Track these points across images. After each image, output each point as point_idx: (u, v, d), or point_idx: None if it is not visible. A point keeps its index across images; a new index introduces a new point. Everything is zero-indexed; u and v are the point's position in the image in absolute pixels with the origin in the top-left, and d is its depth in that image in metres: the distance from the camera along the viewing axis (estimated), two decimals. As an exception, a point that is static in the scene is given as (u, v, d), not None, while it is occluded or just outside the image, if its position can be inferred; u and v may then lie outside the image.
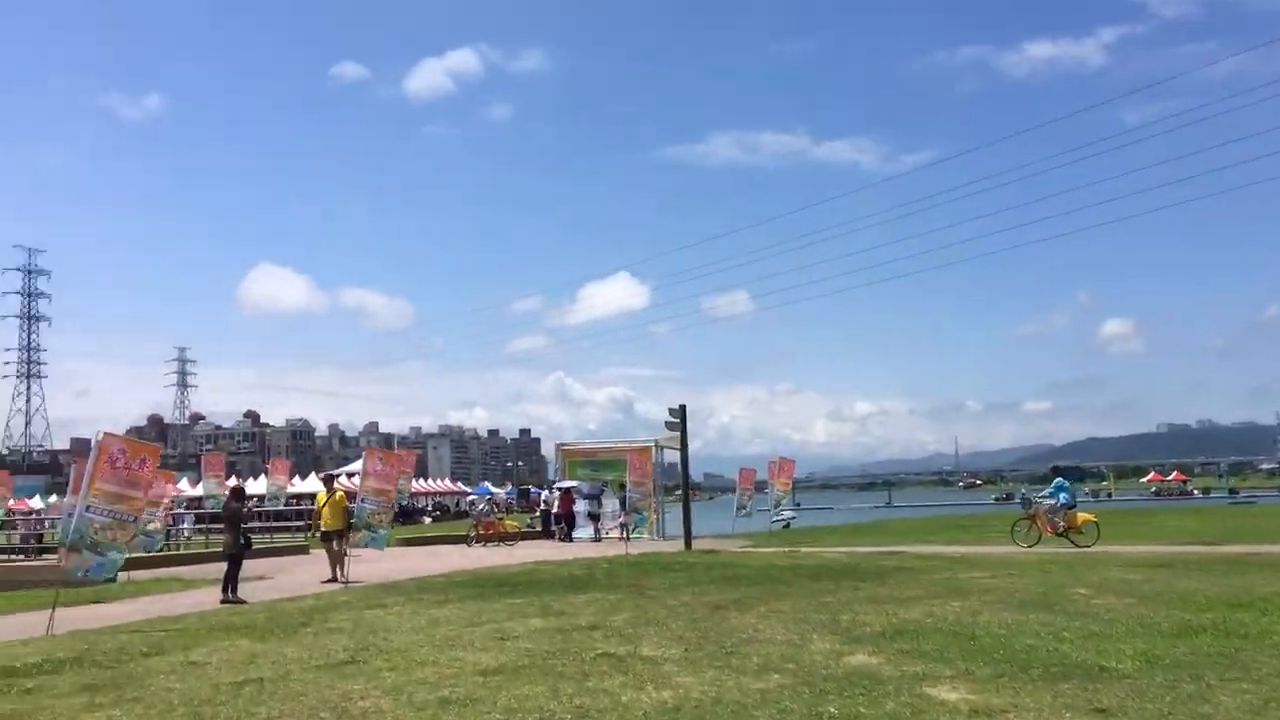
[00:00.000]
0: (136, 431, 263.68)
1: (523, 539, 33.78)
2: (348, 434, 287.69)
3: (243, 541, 16.56)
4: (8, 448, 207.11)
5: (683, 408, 26.05)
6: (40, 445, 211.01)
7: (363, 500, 18.78)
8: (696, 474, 38.56)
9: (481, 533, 31.93)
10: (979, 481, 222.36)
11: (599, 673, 8.57)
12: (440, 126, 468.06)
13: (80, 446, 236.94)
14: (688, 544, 25.88)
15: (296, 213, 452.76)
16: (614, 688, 7.95)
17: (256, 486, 57.37)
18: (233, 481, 41.82)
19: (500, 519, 34.85)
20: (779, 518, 35.75)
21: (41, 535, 32.82)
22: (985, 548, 23.40)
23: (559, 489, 35.04)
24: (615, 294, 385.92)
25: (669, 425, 26.32)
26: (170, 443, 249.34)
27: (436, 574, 19.62)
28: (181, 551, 28.86)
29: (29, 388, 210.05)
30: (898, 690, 7.48)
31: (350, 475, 49.61)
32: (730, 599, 13.92)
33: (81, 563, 12.75)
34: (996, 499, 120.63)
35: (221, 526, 20.35)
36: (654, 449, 33.75)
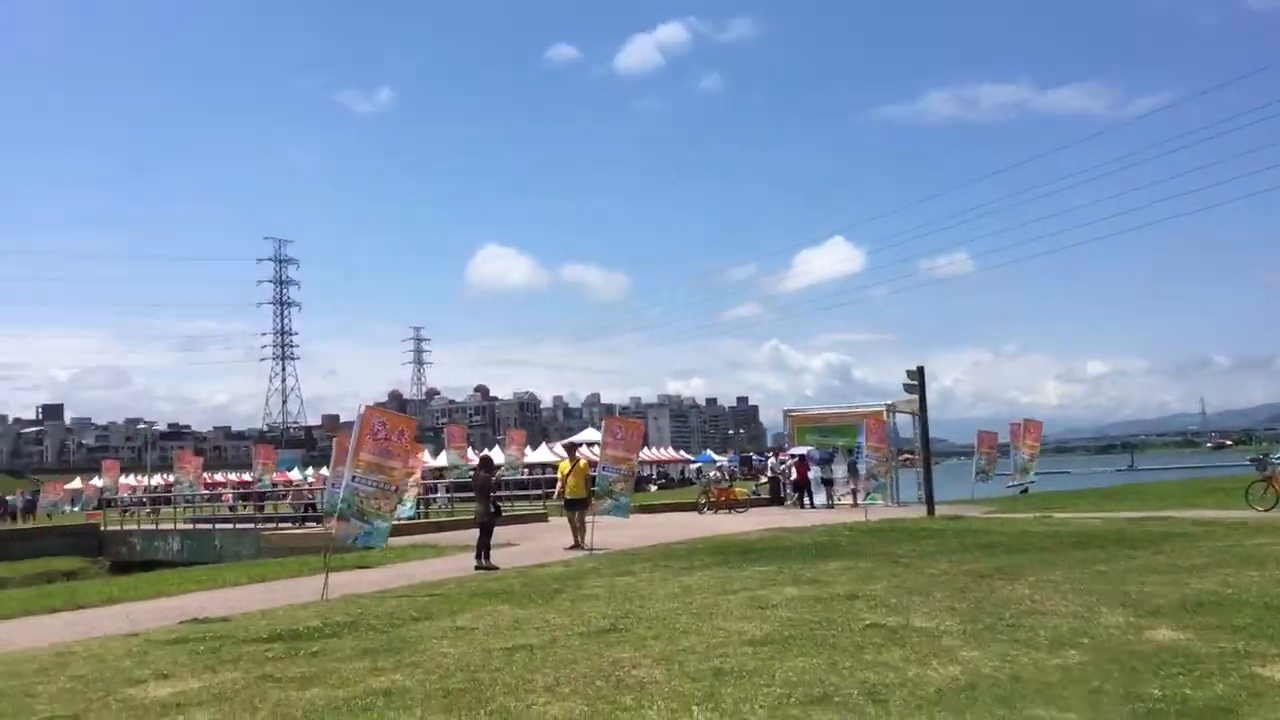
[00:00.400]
0: (379, 408, 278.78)
1: (752, 506, 33.56)
2: (571, 405, 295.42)
3: (493, 510, 16.96)
4: (268, 424, 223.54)
5: (920, 370, 25.10)
6: (295, 421, 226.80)
7: (604, 468, 18.93)
8: (914, 439, 37.41)
9: (713, 499, 31.88)
10: (1229, 442, 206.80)
11: (874, 645, 8.16)
12: (651, 101, 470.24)
13: (330, 422, 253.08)
14: (930, 510, 24.98)
15: (518, 194, 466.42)
16: (895, 661, 7.53)
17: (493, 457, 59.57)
18: (481, 452, 43.56)
19: (730, 486, 34.72)
20: (1016, 483, 34.06)
21: (313, 504, 34.91)
22: (1258, 514, 21.49)
23: (793, 456, 34.57)
24: (830, 259, 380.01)
25: (907, 388, 25.40)
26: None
27: (676, 541, 19.60)
28: (431, 519, 30.04)
29: (284, 369, 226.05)
30: (1222, 670, 6.74)
31: (589, 444, 50.63)
32: (992, 567, 13.20)
33: (351, 531, 13.30)
34: (1253, 460, 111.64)
35: (469, 495, 20.91)
36: (886, 413, 32.82)
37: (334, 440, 17.27)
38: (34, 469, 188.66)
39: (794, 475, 33.64)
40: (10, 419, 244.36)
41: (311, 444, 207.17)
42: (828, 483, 33.45)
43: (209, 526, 38.08)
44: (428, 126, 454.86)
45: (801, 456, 33.59)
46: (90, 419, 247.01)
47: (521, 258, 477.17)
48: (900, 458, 37.93)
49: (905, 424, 34.28)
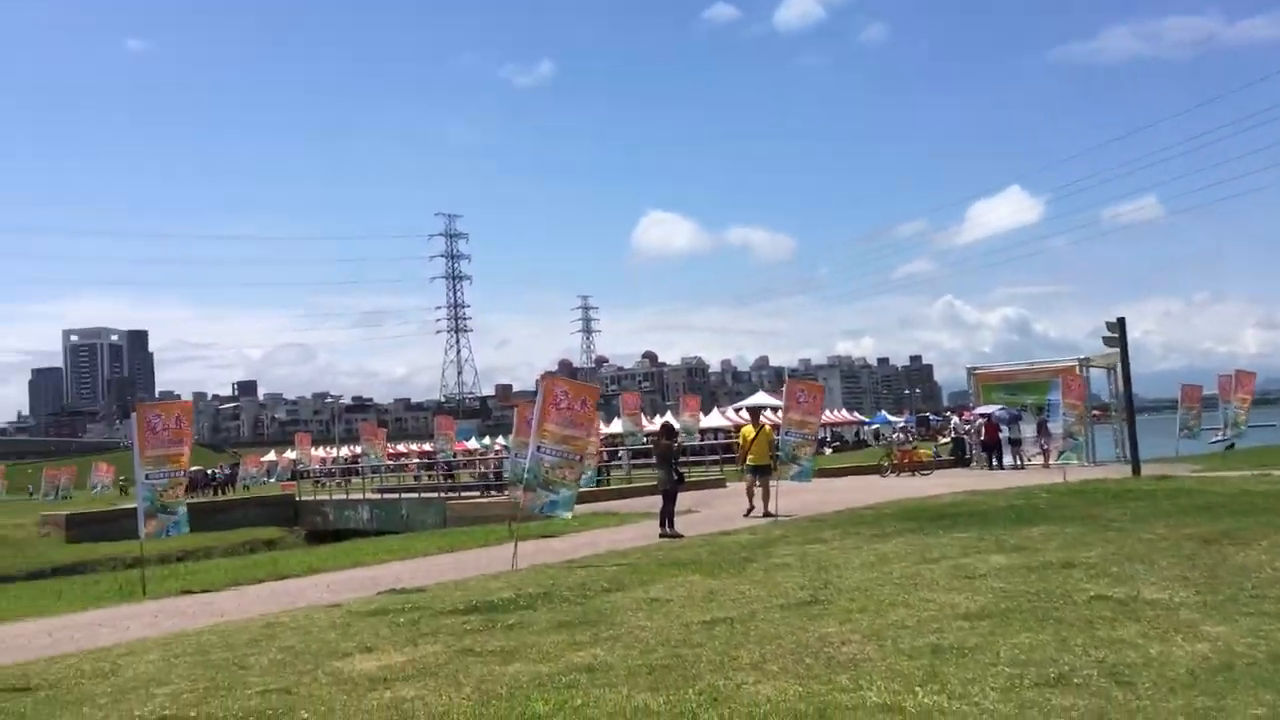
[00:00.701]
0: (549, 376, 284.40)
1: (936, 468, 32.51)
2: (739, 369, 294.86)
3: (676, 477, 16.76)
4: (444, 396, 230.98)
5: (1121, 321, 23.62)
6: (471, 392, 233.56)
7: (786, 433, 18.50)
8: (1106, 394, 35.17)
9: (896, 462, 31.02)
10: None
11: (1104, 619, 7.53)
12: (812, 56, 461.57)
13: (504, 392, 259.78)
14: (1135, 469, 23.57)
15: (681, 159, 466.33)
16: (1132, 637, 6.90)
17: (660, 423, 59.74)
18: (661, 419, 43.65)
19: (915, 448, 33.74)
20: (1220, 438, 31.97)
21: (500, 474, 35.61)
22: None
23: (981, 415, 33.28)
24: (1006, 209, 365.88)
25: (1107, 341, 23.96)
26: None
27: (862, 506, 19.02)
28: (609, 486, 30.17)
29: (458, 341, 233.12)
30: None
31: (772, 409, 50.25)
32: (1217, 531, 12.20)
33: (537, 500, 13.29)
34: None
35: (647, 462, 20.78)
36: (1079, 367, 31.20)
37: (514, 410, 17.34)
38: (232, 443, 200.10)
39: (982, 435, 32.39)
40: (209, 396, 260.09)
41: (486, 414, 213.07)
42: (1014, 443, 32.10)
43: (395, 496, 39.34)
44: (588, 95, 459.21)
45: (989, 417, 32.30)
46: (281, 394, 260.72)
47: (686, 222, 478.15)
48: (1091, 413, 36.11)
49: (1094, 379, 32.60)
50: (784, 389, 18.86)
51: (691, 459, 39.18)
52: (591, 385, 14.97)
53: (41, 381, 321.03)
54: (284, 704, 6.53)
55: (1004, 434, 31.81)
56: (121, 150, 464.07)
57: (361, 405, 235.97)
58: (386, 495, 40.48)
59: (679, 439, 23.61)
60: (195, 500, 45.92)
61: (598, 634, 8.28)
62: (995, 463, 31.40)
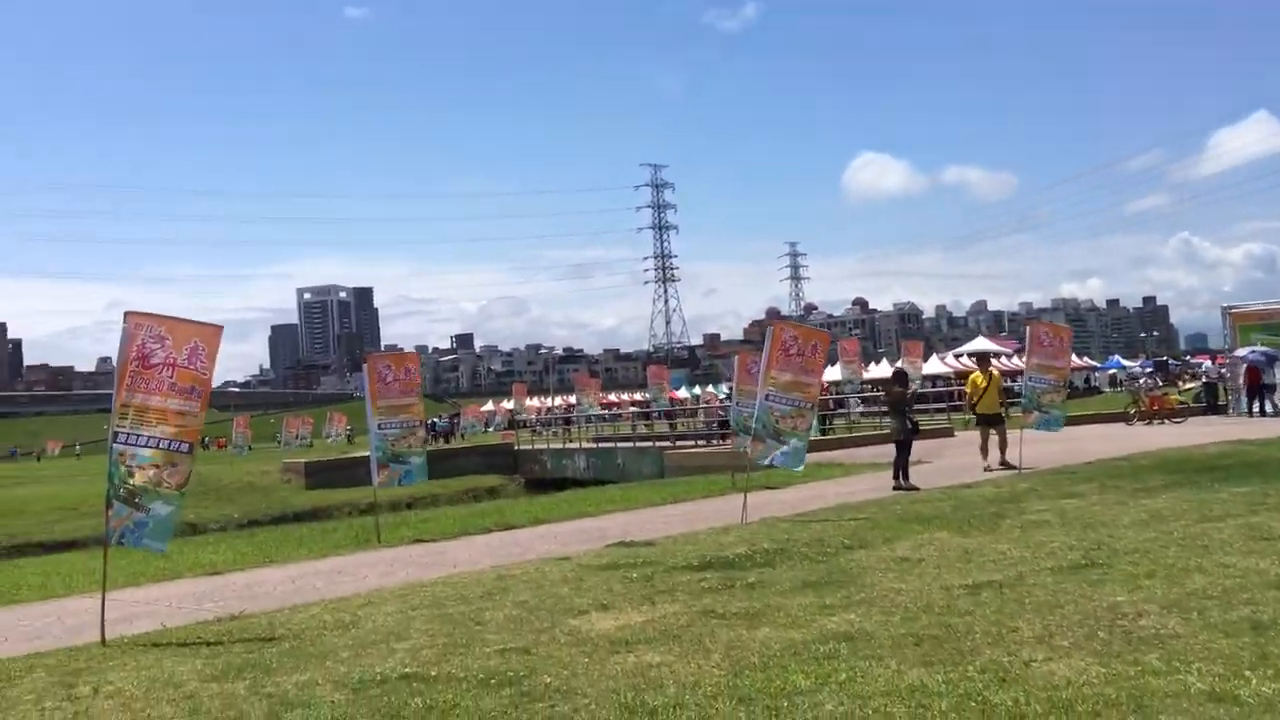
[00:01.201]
0: (758, 325, 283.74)
1: (1189, 415, 30.03)
2: (955, 315, 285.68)
3: (910, 426, 15.82)
4: (653, 345, 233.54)
5: None
6: (679, 342, 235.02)
7: (1030, 378, 17.22)
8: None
9: (1144, 409, 28.84)
10: None
11: None
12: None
13: (712, 341, 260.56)
14: None
15: (893, 97, 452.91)
16: None
17: (878, 370, 58.05)
18: (895, 365, 42.25)
19: (1165, 394, 31.32)
20: None
21: (724, 422, 35.27)
22: None
23: (1241, 357, 30.42)
24: (1251, 137, 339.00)
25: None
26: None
27: (1114, 457, 17.55)
28: (831, 436, 29.29)
29: (665, 291, 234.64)
30: None
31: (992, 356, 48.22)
32: None
33: (767, 451, 12.67)
34: None
35: (871, 411, 19.82)
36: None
37: (723, 359, 16.71)
38: (451, 394, 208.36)
39: (1243, 380, 29.64)
40: (429, 349, 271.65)
41: (695, 363, 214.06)
42: (1269, 388, 29.27)
43: (611, 445, 39.65)
44: (794, 35, 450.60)
45: (1248, 360, 29.52)
46: (496, 346, 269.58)
47: (898, 163, 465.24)
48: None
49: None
50: (1026, 332, 17.52)
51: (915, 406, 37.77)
52: (823, 331, 14.19)
53: (279, 337, 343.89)
54: (524, 665, 6.18)
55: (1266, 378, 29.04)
56: (343, 115, 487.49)
57: (572, 356, 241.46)
58: (602, 444, 40.86)
59: (912, 386, 22.50)
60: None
61: (849, 596, 7.62)
62: (1259, 409, 28.72)
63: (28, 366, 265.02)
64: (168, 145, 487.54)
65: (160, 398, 7.78)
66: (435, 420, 63.73)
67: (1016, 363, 39.14)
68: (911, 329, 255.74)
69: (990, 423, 18.03)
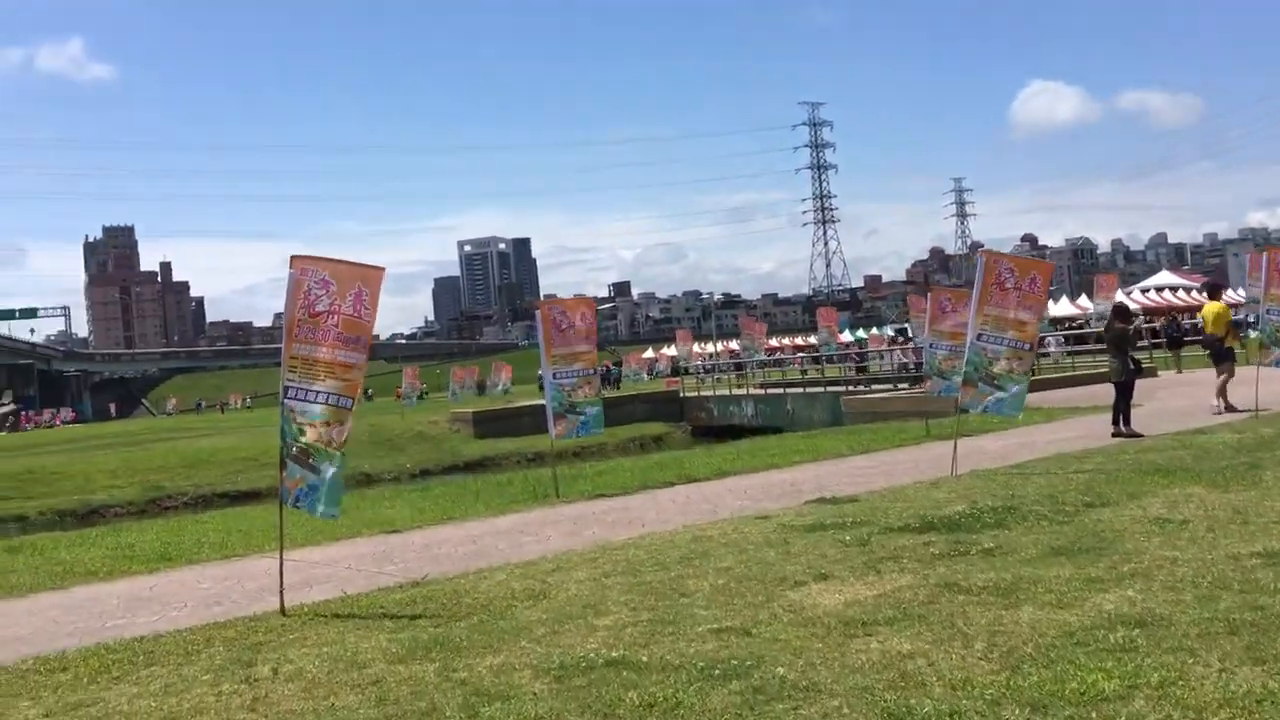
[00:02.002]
0: (921, 265, 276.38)
1: None
2: (1132, 249, 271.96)
3: (1132, 366, 14.30)
4: (813, 289, 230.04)
5: None
6: (840, 285, 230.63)
7: (1268, 310, 15.36)
8: None
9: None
10: None
11: None
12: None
13: (873, 283, 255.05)
14: None
15: (1063, 20, 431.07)
16: None
17: (1060, 309, 55.04)
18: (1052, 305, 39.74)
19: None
20: None
21: (918, 365, 33.72)
22: None
23: None
24: None
25: None
26: (953, 273, 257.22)
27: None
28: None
29: (824, 232, 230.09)
30: None
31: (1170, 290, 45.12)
32: None
33: (979, 397, 11.41)
34: None
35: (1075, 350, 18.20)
36: None
37: (928, 296, 15.48)
38: (610, 342, 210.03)
39: None
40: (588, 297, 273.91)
41: (856, 306, 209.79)
42: None
43: (780, 391, 38.54)
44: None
45: None
46: (654, 293, 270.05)
47: (1070, 90, 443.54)
48: None
49: None
50: (1264, 258, 15.63)
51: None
52: (1044, 261, 12.81)
53: (442, 289, 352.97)
54: (747, 650, 5.31)
55: None
56: (497, 67, 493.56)
57: (730, 301, 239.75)
58: (770, 390, 39.79)
59: (1135, 322, 20.66)
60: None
61: (1114, 567, 6.49)
62: None
63: (210, 323, 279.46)
64: (333, 106, 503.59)
65: (328, 349, 7.17)
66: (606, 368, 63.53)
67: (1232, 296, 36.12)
68: (1085, 264, 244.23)
69: (1222, 358, 16.24)
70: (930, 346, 15.94)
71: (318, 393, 7.20)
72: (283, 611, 7.10)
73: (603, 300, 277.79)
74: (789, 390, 38.03)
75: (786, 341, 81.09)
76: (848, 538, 8.17)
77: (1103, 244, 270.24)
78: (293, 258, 7.14)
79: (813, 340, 61.16)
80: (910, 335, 68.74)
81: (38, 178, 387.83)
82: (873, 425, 19.83)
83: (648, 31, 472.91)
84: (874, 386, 32.32)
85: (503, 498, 13.13)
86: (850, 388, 31.72)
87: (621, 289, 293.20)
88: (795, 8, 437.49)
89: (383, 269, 7.45)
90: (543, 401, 14.33)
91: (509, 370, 69.71)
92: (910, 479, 11.55)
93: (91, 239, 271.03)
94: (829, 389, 34.00)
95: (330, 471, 7.23)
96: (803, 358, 50.06)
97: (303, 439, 7.21)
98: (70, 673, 6.06)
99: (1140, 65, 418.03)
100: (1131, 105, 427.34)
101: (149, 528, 13.39)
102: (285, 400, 7.26)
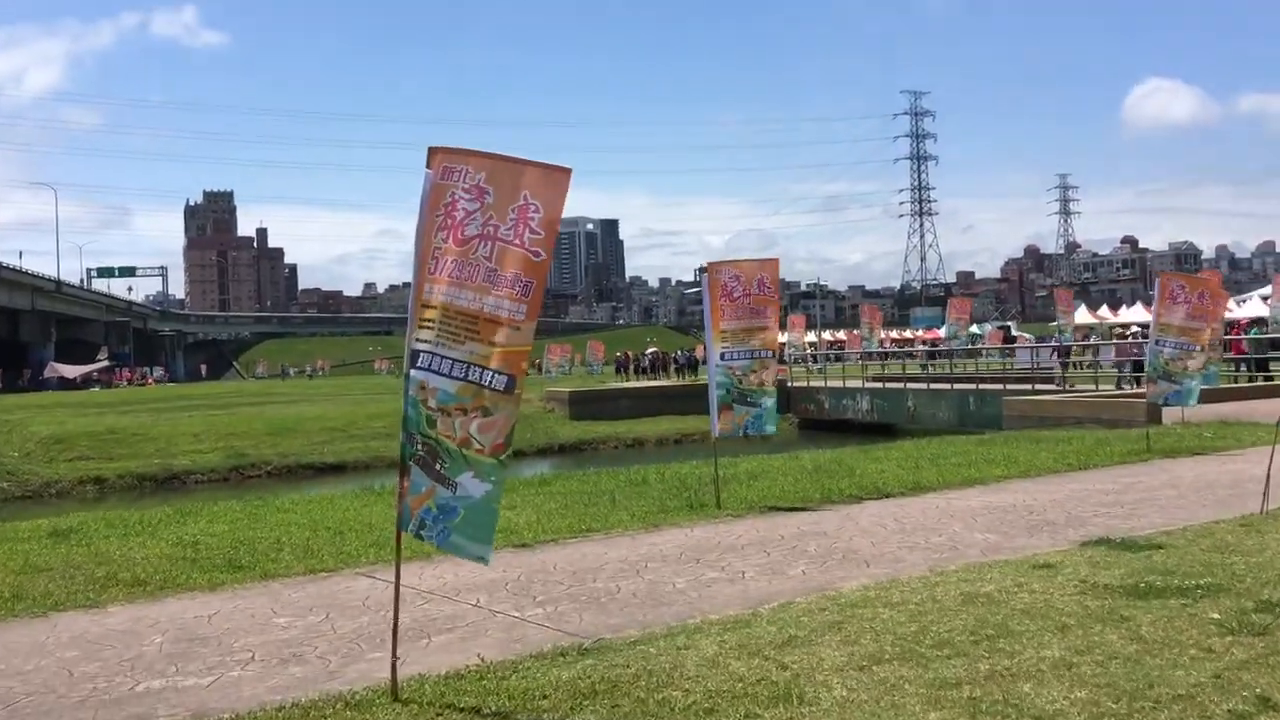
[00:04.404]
0: (1015, 263, 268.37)
1: None
2: (1237, 255, 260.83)
3: None
4: (906, 282, 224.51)
5: None
6: (934, 279, 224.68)
7: (1158, 342, 12.91)
8: None
9: None
10: None
11: None
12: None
13: (966, 279, 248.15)
14: None
15: (1181, 17, 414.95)
16: None
17: (1132, 314, 50.67)
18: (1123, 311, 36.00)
19: None
20: None
21: (1137, 364, 30.18)
22: None
23: None
24: None
25: None
26: (1047, 272, 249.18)
27: None
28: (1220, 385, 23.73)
29: (921, 225, 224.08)
30: None
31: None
32: None
33: (1158, 391, 12.83)
34: None
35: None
36: None
37: (1156, 282, 12.79)
38: (695, 325, 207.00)
39: None
40: (673, 281, 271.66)
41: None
42: None
43: (900, 385, 35.60)
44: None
45: None
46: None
47: (1187, 90, 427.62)
48: None
49: None
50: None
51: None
52: (1213, 273, 10.19)
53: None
54: None
55: None
56: (590, 47, 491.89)
57: (810, 292, 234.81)
58: (889, 384, 36.85)
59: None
60: (667, 383, 44.88)
61: None
62: None
63: (301, 290, 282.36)
64: (428, 76, 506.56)
65: (474, 293, 4.68)
66: (675, 354, 60.69)
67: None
68: (1189, 269, 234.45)
69: None
70: (1156, 344, 13.07)
71: (453, 361, 4.72)
72: (394, 695, 4.66)
73: (689, 284, 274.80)
74: (910, 385, 35.05)
75: (894, 334, 77.09)
76: (1216, 615, 5.50)
77: (1207, 249, 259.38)
78: (432, 150, 4.65)
79: (940, 333, 57.40)
80: (1015, 332, 65.08)
81: (148, 140, 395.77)
82: (1053, 432, 16.90)
83: (747, 13, 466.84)
84: (1008, 387, 29.15)
85: (647, 503, 10.60)
86: (1006, 387, 28.37)
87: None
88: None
89: (568, 170, 4.70)
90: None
91: (602, 348, 67.58)
92: (1200, 514, 8.77)
93: (192, 203, 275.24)
94: (980, 386, 30.78)
95: (478, 491, 4.74)
96: (923, 350, 46.79)
97: (432, 432, 4.75)
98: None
99: (1265, 68, 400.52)
100: (1251, 108, 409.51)
101: (222, 514, 11.13)
102: (413, 371, 4.80)
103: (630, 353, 59.88)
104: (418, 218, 4.68)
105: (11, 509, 23.93)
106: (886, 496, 10.59)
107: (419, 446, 4.79)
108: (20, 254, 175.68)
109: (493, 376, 4.80)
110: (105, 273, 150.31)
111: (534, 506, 10.41)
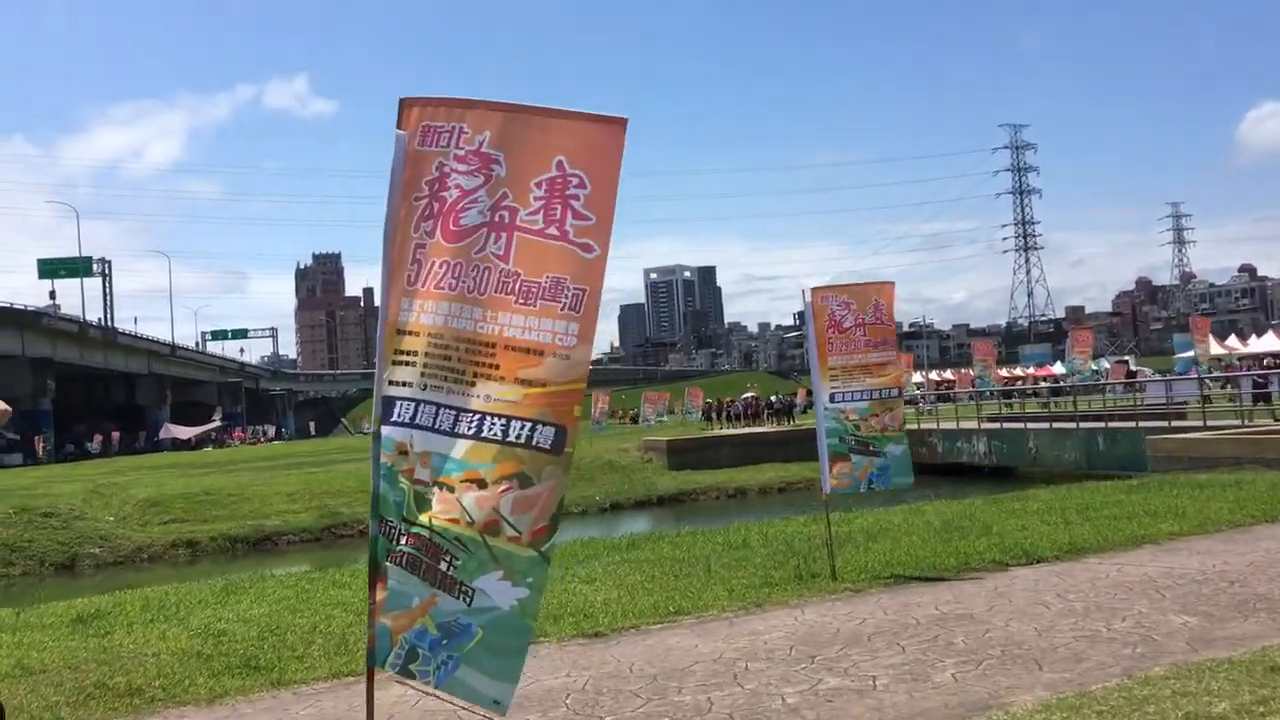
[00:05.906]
0: (1126, 296, 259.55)
1: None
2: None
3: None
4: (1012, 318, 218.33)
5: None
6: (1042, 315, 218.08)
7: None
8: None
9: None
10: None
11: None
12: None
13: (1075, 314, 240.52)
14: None
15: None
16: None
17: (1263, 343, 46.93)
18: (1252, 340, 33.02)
19: None
20: None
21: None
22: None
23: None
24: None
25: None
26: (1161, 304, 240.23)
27: None
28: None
29: (1027, 260, 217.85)
30: None
31: None
32: None
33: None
34: None
35: None
36: None
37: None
38: (796, 369, 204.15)
39: None
40: (772, 326, 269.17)
41: (1060, 337, 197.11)
42: None
43: (1019, 426, 33.27)
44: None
45: None
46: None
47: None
48: None
49: None
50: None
51: None
52: None
53: (628, 316, 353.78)
54: None
55: None
56: (682, 91, 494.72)
57: (913, 333, 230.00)
58: (1006, 424, 34.53)
59: None
60: (770, 430, 42.79)
61: None
62: None
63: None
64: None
65: (483, 309, 3.33)
66: (773, 399, 58.66)
67: None
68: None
69: None
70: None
71: (457, 412, 3.33)
72: None
73: (789, 329, 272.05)
74: (1030, 425, 32.71)
75: (1017, 370, 73.63)
76: None
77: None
78: (405, 103, 3.32)
79: (1058, 369, 54.22)
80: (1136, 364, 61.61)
81: (262, 207, 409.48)
82: (1213, 475, 14.79)
83: (837, 52, 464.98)
84: (1140, 425, 26.77)
85: (747, 573, 8.97)
86: (1148, 424, 26.04)
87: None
88: (1002, 30, 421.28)
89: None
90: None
91: (699, 395, 65.93)
92: None
93: (302, 265, 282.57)
94: (1082, 424, 28.53)
95: (505, 598, 3.31)
96: (1047, 387, 44.08)
97: (420, 517, 3.34)
98: None
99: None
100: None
101: (270, 591, 9.89)
102: (385, 429, 3.44)
103: (721, 399, 58.18)
104: (387, 204, 3.27)
105: (102, 576, 23.32)
106: (1038, 561, 8.79)
107: (402, 540, 3.34)
108: (135, 319, 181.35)
109: (530, 429, 3.36)
110: (219, 335, 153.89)
111: (616, 579, 8.88)
